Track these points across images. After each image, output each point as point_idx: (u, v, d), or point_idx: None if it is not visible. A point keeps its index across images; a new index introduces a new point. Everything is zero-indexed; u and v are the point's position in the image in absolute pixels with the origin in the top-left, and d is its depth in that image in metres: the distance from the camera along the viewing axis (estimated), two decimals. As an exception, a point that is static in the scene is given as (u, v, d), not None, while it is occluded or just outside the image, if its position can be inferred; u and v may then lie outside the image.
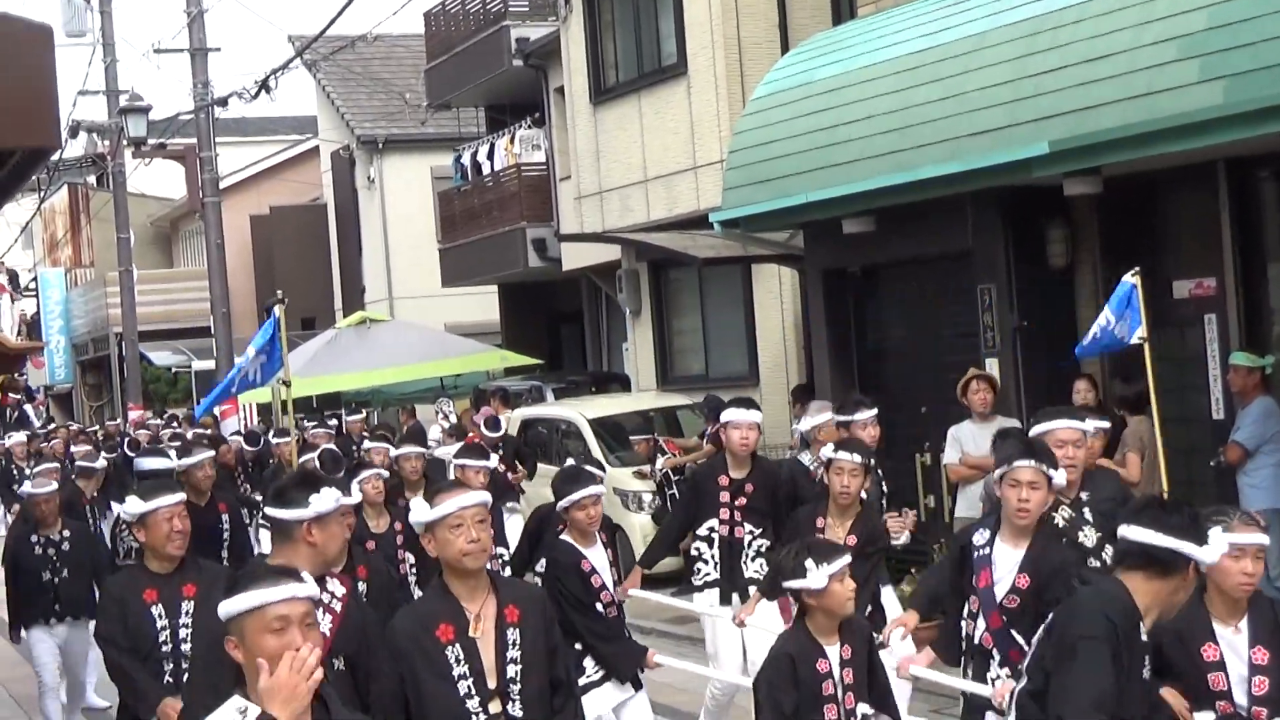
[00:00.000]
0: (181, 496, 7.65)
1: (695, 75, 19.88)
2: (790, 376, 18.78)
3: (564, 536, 8.54)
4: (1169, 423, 12.15)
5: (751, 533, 10.01)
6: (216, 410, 27.46)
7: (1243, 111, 9.97)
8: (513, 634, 5.65)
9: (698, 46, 19.81)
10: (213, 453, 11.91)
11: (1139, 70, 10.74)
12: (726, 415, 10.13)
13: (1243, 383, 11.25)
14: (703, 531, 10.11)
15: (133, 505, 7.43)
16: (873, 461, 9.14)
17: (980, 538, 6.93)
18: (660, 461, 16.50)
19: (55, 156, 25.91)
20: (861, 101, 13.45)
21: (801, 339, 18.38)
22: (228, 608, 4.36)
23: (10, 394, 37.15)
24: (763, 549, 9.93)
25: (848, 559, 6.20)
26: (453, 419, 21.54)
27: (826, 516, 8.70)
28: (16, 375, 37.96)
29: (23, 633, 12.20)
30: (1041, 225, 13.14)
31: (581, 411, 18.53)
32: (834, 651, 6.14)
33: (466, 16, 27.43)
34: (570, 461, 17.31)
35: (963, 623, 7.00)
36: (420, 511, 5.70)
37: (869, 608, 8.36)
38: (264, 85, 25.47)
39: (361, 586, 7.08)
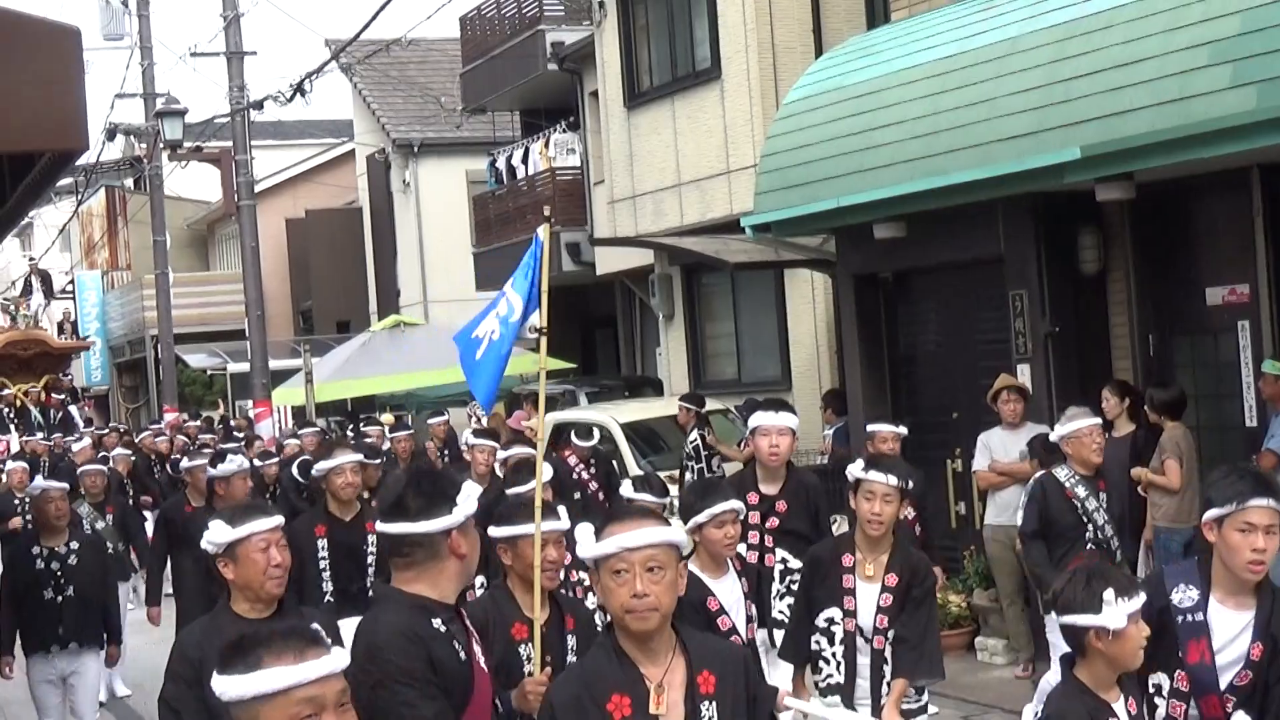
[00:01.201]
0: (279, 520, 6.09)
1: (729, 79, 19.86)
2: (822, 381, 18.74)
3: (690, 565, 6.91)
4: (1203, 430, 12.10)
5: (784, 561, 8.65)
6: (251, 413, 27.59)
7: (1276, 116, 9.89)
8: (707, 710, 4.42)
9: (732, 50, 19.79)
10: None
11: (1171, 75, 10.67)
12: (755, 419, 8.81)
13: (1274, 390, 11.15)
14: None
15: (218, 532, 5.91)
16: (910, 484, 7.89)
17: (1185, 598, 5.41)
18: (693, 435, 16.49)
19: (85, 159, 26.04)
20: (894, 106, 13.40)
21: (833, 344, 18.34)
22: (234, 688, 3.48)
23: (54, 394, 36.87)
24: (794, 584, 8.27)
25: (1144, 598, 4.91)
26: (484, 421, 21.54)
27: (855, 551, 7.38)
28: (61, 375, 37.94)
29: (13, 665, 10.65)
30: (1074, 231, 13.07)
31: (614, 415, 18.52)
32: (1120, 708, 4.91)
33: (502, 20, 27.48)
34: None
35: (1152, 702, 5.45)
36: (587, 545, 4.54)
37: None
38: (299, 89, 25.52)
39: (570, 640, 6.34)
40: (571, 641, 5.72)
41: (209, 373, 40.91)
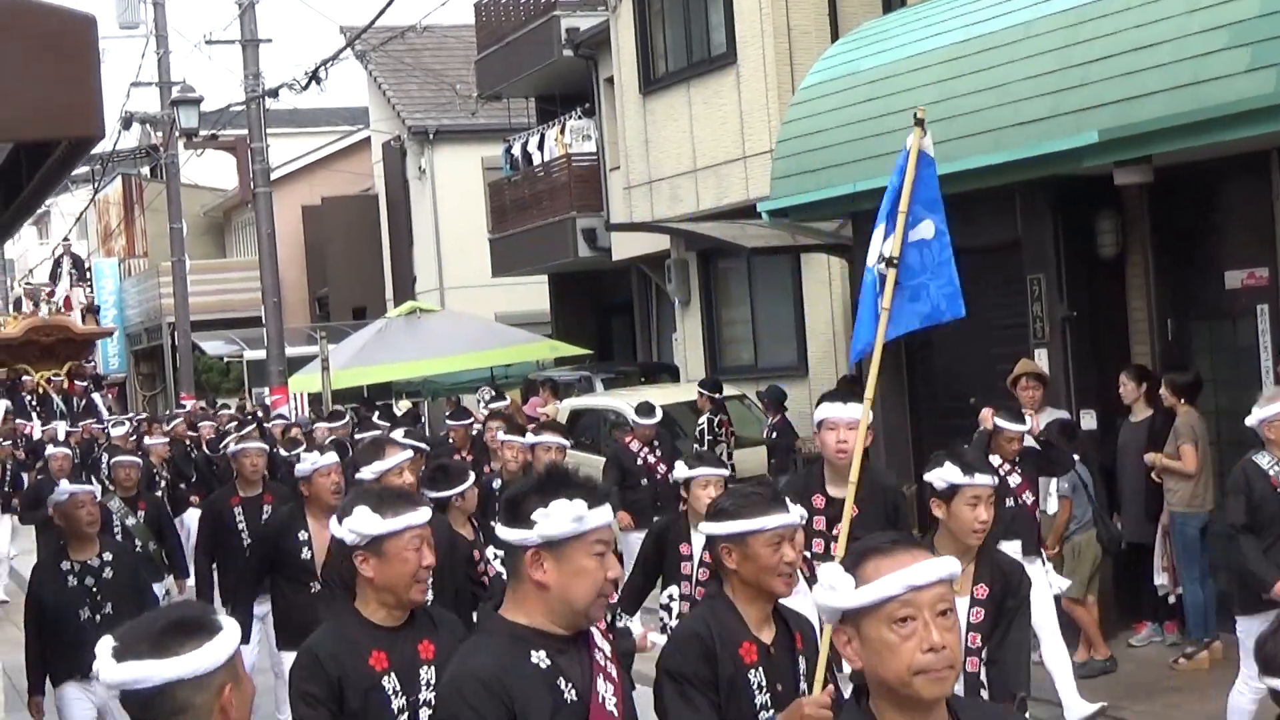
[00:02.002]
0: (428, 514, 5.20)
1: (745, 65, 19.82)
2: (839, 367, 18.72)
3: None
4: (1221, 415, 12.06)
5: None
6: (268, 399, 27.64)
7: (1294, 100, 9.85)
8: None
9: (747, 36, 19.75)
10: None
11: (1188, 58, 10.63)
12: (821, 411, 7.66)
13: (1293, 374, 11.13)
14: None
15: (365, 522, 5.00)
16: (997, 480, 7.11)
17: None
18: (703, 419, 16.57)
19: (101, 148, 26.05)
20: (909, 91, 13.36)
21: (850, 329, 18.30)
22: (222, 651, 3.25)
23: (77, 381, 36.58)
24: None
25: None
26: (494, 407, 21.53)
27: None
28: (84, 362, 37.87)
29: (42, 705, 9.11)
30: (1091, 215, 13.02)
31: (630, 402, 18.50)
32: None
33: (516, 7, 27.46)
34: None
35: None
36: (844, 589, 3.46)
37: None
38: (315, 76, 25.55)
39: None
40: (802, 665, 4.85)
41: (225, 360, 40.99)
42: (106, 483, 15.93)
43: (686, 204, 21.23)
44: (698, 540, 7.73)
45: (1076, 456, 11.32)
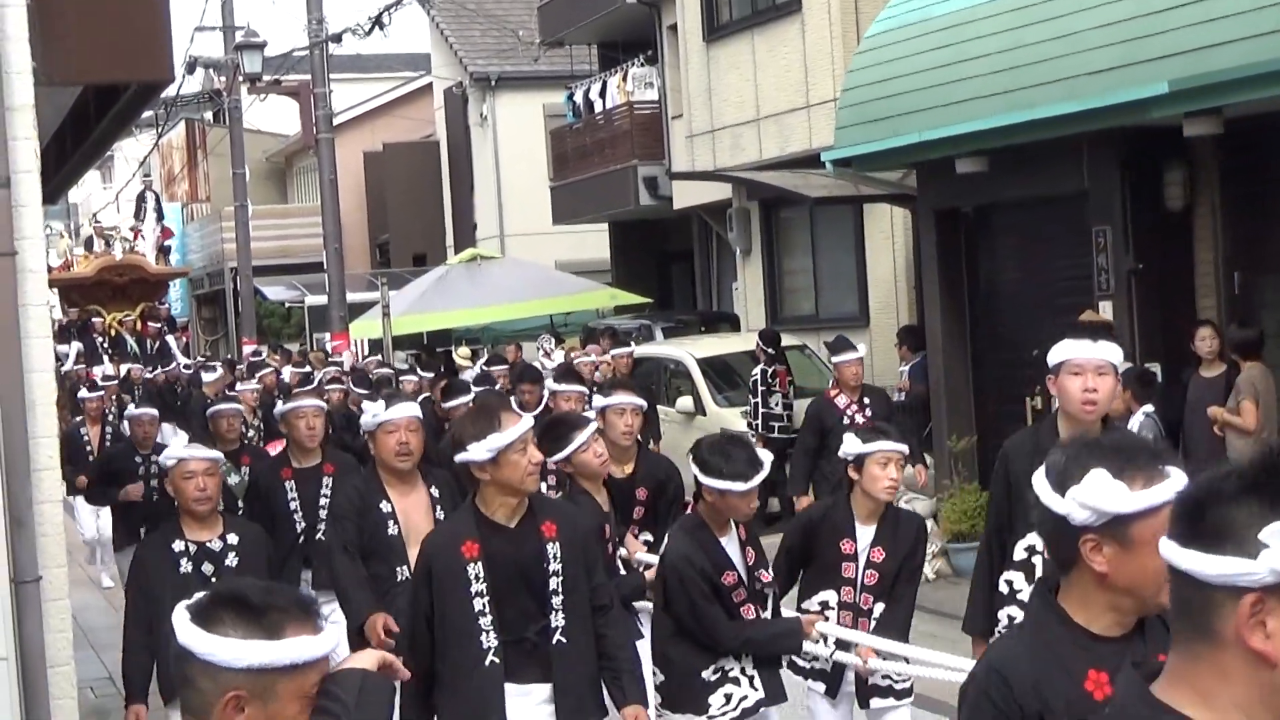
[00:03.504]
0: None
1: (809, 12, 19.70)
2: (900, 317, 18.66)
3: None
4: (1283, 369, 11.97)
5: None
6: (329, 344, 27.77)
7: (1370, 50, 9.72)
8: None
9: (812, -17, 19.62)
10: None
11: (1265, 7, 10.49)
12: (1060, 351, 6.02)
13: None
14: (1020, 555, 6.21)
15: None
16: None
17: None
18: (756, 369, 16.61)
19: (169, 91, 26.14)
20: (977, 40, 13.27)
21: (912, 280, 18.24)
22: (253, 654, 2.89)
23: (150, 323, 35.49)
24: None
25: None
26: (557, 356, 21.57)
27: None
28: (158, 304, 37.08)
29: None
30: (1159, 166, 12.92)
31: (690, 351, 18.51)
32: None
33: (580, -47, 27.36)
34: (685, 400, 17.41)
35: None
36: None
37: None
38: (378, 21, 25.57)
39: None
40: None
41: (287, 305, 41.17)
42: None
43: (749, 153, 21.15)
44: (865, 534, 6.80)
45: (1150, 407, 11.26)
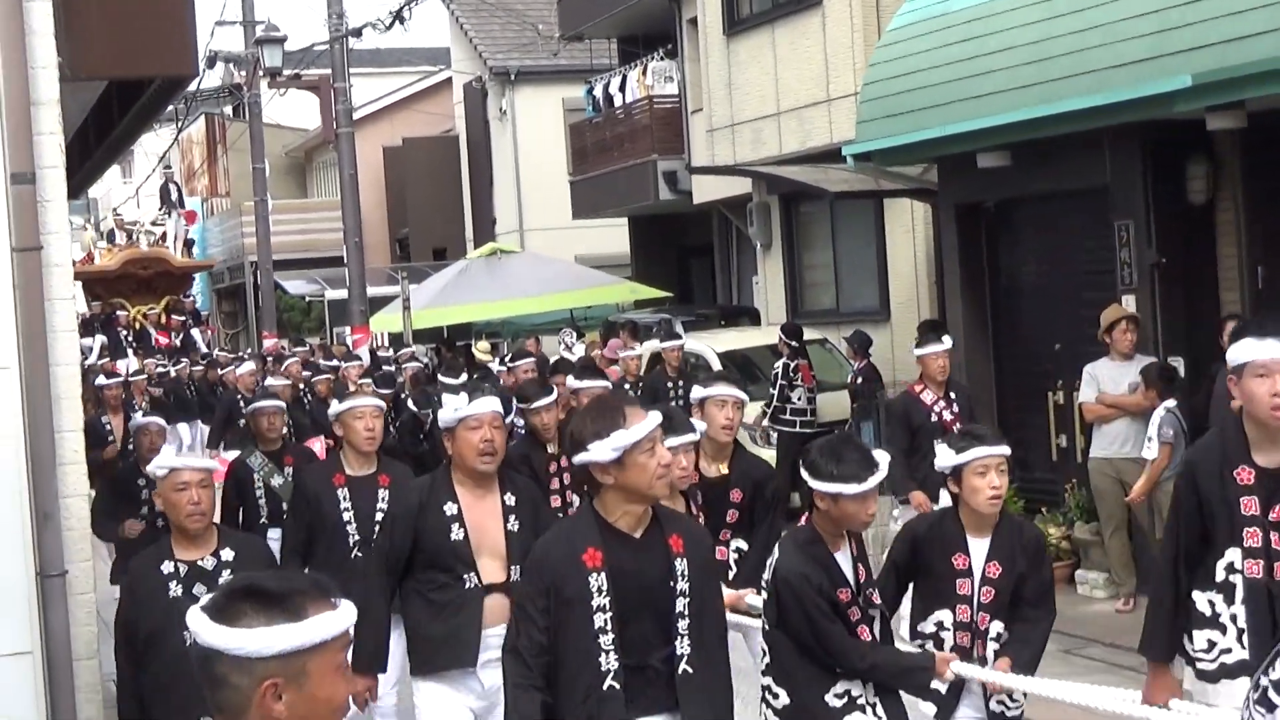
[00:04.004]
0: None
1: (830, 6, 19.66)
2: (921, 312, 18.62)
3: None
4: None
5: None
6: (349, 338, 27.81)
7: (1396, 44, 9.68)
8: None
9: (833, -23, 19.60)
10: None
11: (1288, 1, 10.45)
12: (1245, 351, 5.65)
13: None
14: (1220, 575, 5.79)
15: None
16: None
17: None
18: (779, 363, 16.59)
19: (192, 86, 26.13)
20: (999, 33, 13.23)
21: (933, 274, 18.20)
22: (281, 639, 2.96)
23: (175, 316, 35.34)
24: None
25: None
26: (578, 349, 21.57)
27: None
28: (183, 297, 36.75)
29: None
30: (1182, 160, 12.86)
31: (711, 344, 18.50)
32: None
33: (599, -52, 27.35)
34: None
35: None
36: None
37: None
38: (398, 16, 25.61)
39: None
40: None
41: (307, 299, 41.25)
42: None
43: (769, 147, 21.13)
44: (978, 548, 6.33)
45: (1173, 401, 11.24)
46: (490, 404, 6.66)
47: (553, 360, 21.01)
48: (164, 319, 34.93)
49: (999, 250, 15.09)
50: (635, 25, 27.32)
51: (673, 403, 15.33)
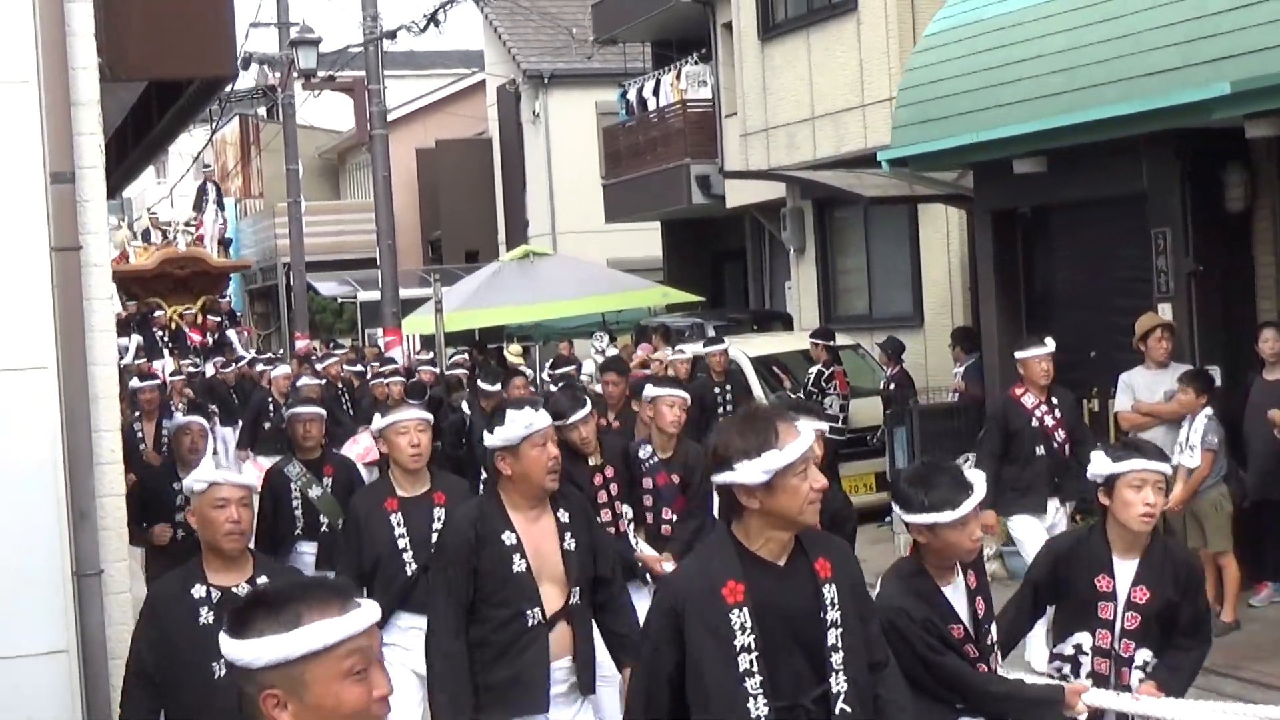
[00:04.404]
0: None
1: (866, 12, 19.64)
2: (955, 318, 18.59)
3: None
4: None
5: None
6: (381, 340, 27.86)
7: None
8: None
9: (868, -18, 19.57)
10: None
11: (1328, 9, 10.40)
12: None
13: None
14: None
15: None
16: None
17: None
18: (815, 368, 16.52)
19: (228, 88, 26.23)
20: (1036, 39, 13.19)
21: (967, 280, 18.16)
22: (273, 650, 2.95)
23: (211, 317, 35.14)
24: None
25: None
26: (609, 352, 21.56)
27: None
28: (219, 297, 36.56)
29: None
30: (1219, 167, 12.82)
31: (743, 349, 18.47)
32: None
33: (634, -49, 27.36)
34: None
35: None
36: None
37: None
38: (433, 19, 25.63)
39: None
40: None
41: (339, 301, 41.32)
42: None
43: (803, 152, 21.10)
44: (1124, 570, 6.03)
45: (1211, 410, 11.18)
46: (548, 417, 6.28)
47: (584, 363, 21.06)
48: (200, 319, 34.78)
49: (1034, 257, 15.05)
50: (669, 29, 27.32)
51: (720, 409, 15.27)
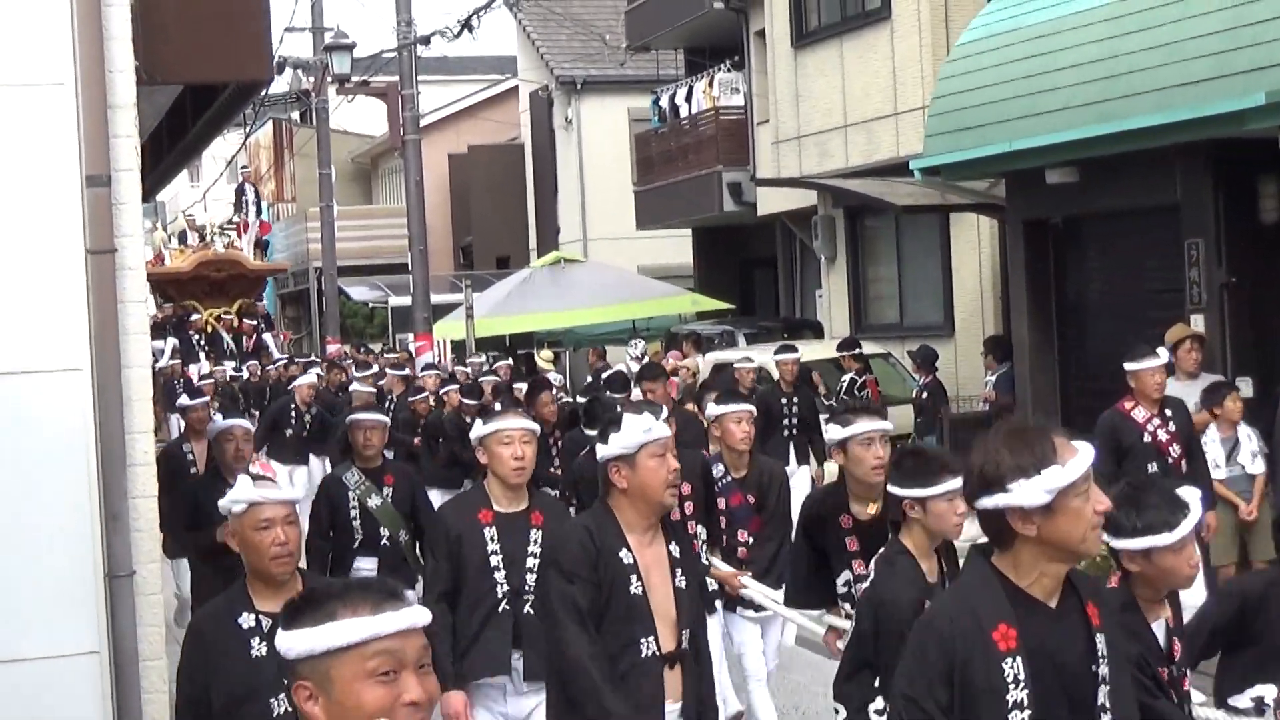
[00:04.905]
0: None
1: (899, 20, 19.62)
2: (986, 327, 18.55)
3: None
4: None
5: None
6: (412, 345, 27.91)
7: None
8: None
9: (902, -9, 19.56)
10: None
11: (1364, 20, 10.37)
12: None
13: None
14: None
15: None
16: None
17: None
18: (847, 376, 16.50)
19: (263, 92, 26.33)
20: (1069, 49, 13.18)
21: (999, 290, 18.12)
22: (301, 642, 2.96)
23: (247, 320, 34.78)
24: None
25: None
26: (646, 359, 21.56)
27: None
28: (256, 300, 36.22)
29: None
30: (1253, 178, 12.78)
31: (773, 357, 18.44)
32: None
33: (668, -42, 27.37)
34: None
35: None
36: None
37: None
38: (466, 24, 25.66)
39: None
40: None
41: (370, 305, 41.40)
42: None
43: (835, 160, 21.10)
44: None
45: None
46: (667, 426, 5.62)
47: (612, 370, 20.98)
48: (237, 322, 34.47)
49: (1066, 267, 15.02)
50: (702, 37, 27.33)
51: (786, 421, 14.83)
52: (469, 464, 12.69)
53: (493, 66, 45.18)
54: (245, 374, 26.35)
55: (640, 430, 5.41)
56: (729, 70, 25.72)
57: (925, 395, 16.77)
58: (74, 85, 6.75)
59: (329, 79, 30.70)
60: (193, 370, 25.53)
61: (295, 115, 42.44)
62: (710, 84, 25.95)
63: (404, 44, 26.84)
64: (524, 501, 6.71)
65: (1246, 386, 12.45)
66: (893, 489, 5.60)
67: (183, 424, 13.61)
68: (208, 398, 12.54)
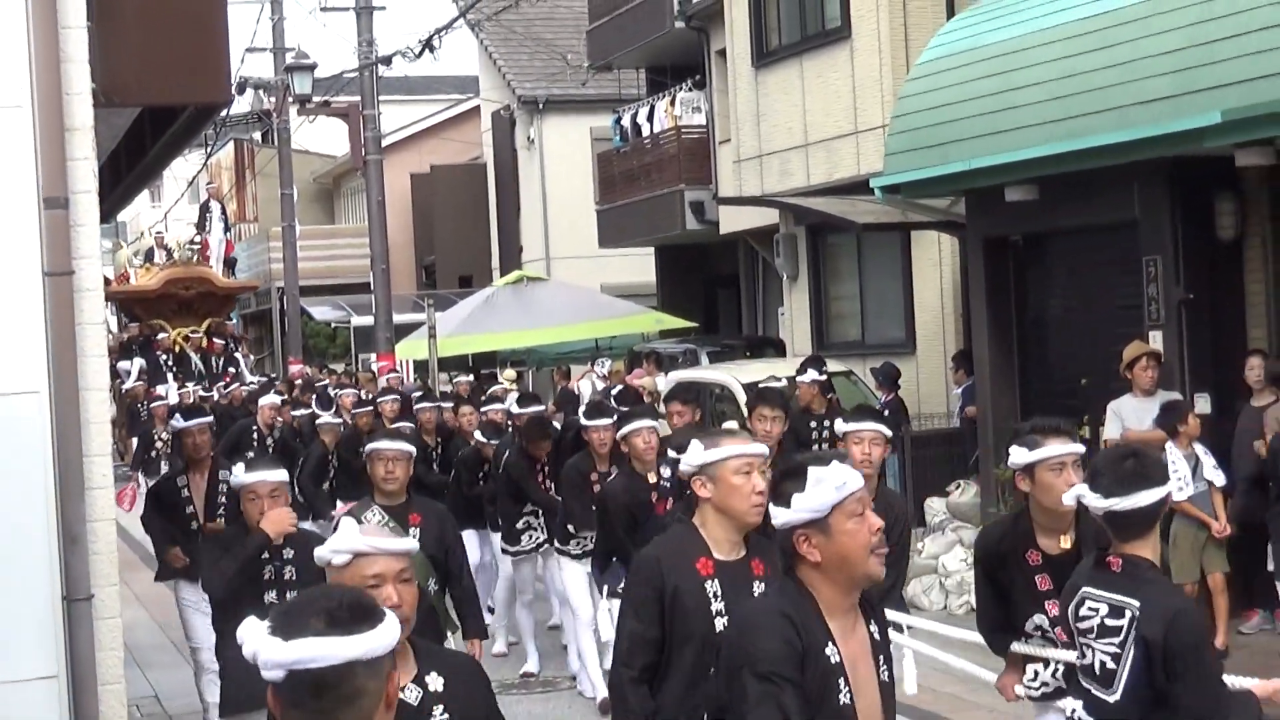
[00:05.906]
0: None
1: (859, 39, 19.70)
2: (947, 345, 18.61)
3: None
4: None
5: None
6: (374, 365, 27.86)
7: None
8: None
9: (862, 10, 19.62)
10: None
11: (1318, 39, 10.45)
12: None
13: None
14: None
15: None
16: None
17: None
18: None
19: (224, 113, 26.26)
20: (1028, 68, 13.24)
21: (960, 307, 18.18)
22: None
23: (216, 340, 33.91)
24: None
25: None
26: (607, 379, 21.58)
27: None
28: (226, 319, 35.60)
29: None
30: (1210, 196, 12.85)
31: (736, 375, 18.46)
32: None
33: (629, -22, 27.44)
34: (730, 425, 17.14)
35: None
36: None
37: None
38: (428, 44, 25.71)
39: None
40: None
41: (333, 325, 41.33)
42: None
43: (797, 178, 21.15)
44: None
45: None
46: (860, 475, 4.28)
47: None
48: (205, 342, 33.62)
49: (1026, 284, 15.08)
50: (663, 56, 27.39)
51: (816, 446, 14.05)
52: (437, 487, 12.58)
53: (455, 86, 45.21)
54: (215, 395, 26.09)
55: (833, 487, 4.09)
56: (690, 89, 25.79)
57: (886, 413, 16.75)
58: (31, 108, 6.73)
59: (290, 99, 30.68)
60: (160, 391, 25.23)
61: (257, 135, 42.37)
62: (672, 103, 26.02)
63: (365, 64, 26.85)
64: (743, 548, 5.35)
65: (1204, 403, 12.52)
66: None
67: (154, 449, 13.17)
68: (210, 418, 11.01)
